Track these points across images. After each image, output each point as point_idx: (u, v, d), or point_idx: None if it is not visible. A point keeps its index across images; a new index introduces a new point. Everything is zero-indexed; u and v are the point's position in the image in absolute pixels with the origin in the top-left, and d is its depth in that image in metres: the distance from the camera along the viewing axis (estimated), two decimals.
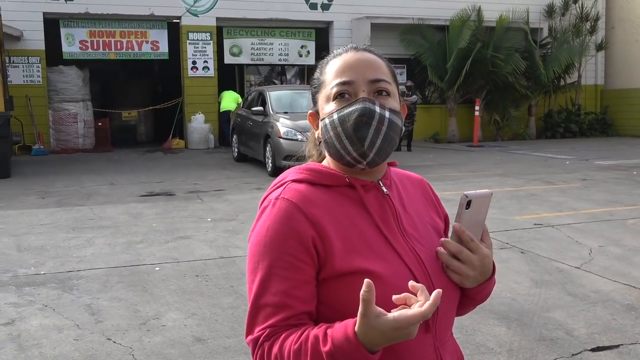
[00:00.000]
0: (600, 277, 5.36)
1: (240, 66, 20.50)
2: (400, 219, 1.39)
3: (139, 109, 20.79)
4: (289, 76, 21.28)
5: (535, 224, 7.46)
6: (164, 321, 4.42)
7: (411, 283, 1.17)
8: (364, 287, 1.09)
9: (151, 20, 18.36)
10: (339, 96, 1.36)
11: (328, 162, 1.44)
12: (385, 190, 1.41)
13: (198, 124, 18.34)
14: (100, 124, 18.47)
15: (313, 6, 19.60)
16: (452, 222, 1.40)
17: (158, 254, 6.26)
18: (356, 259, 1.29)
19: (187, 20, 18.45)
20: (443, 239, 1.38)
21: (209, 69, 18.77)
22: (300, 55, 19.94)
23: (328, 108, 1.37)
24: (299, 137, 11.46)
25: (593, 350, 3.90)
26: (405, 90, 17.71)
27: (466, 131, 20.20)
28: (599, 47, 22.40)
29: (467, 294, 1.42)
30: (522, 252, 6.17)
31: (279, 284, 1.27)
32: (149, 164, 14.72)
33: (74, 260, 6.03)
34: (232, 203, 9.03)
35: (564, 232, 7.01)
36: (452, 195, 9.56)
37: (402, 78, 20.60)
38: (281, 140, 11.76)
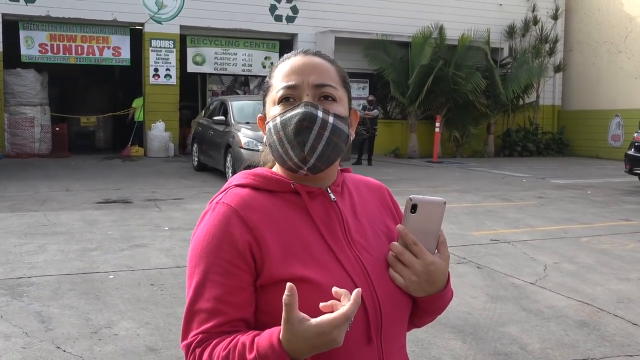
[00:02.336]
0: (555, 293, 5.43)
1: (203, 75, 20.39)
2: (347, 227, 1.36)
3: (98, 115, 20.48)
4: (252, 87, 21.23)
5: (492, 240, 7.54)
6: (116, 330, 4.33)
7: (334, 289, 1.15)
8: (285, 292, 1.07)
9: (114, 26, 18.14)
10: (284, 100, 1.34)
11: (277, 167, 1.41)
12: (332, 197, 1.38)
13: (158, 132, 18.13)
14: (57, 129, 18.12)
15: (278, 18, 19.63)
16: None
17: (113, 261, 6.15)
18: (295, 267, 1.26)
19: (150, 27, 18.28)
20: (393, 242, 1.36)
21: (171, 77, 18.61)
22: (264, 67, 19.92)
23: (273, 111, 1.36)
24: (260, 147, 11.37)
25: None
26: (367, 104, 17.81)
27: (426, 147, 20.40)
28: (557, 69, 22.92)
29: (419, 304, 1.39)
30: (478, 267, 6.23)
31: (213, 290, 1.25)
32: (107, 171, 14.49)
33: (25, 266, 5.88)
34: (191, 212, 8.93)
35: (519, 249, 7.10)
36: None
37: (364, 92, 20.75)
38: (242, 150, 11.70)
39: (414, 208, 1.32)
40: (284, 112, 1.32)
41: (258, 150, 11.55)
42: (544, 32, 22.46)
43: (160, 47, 18.42)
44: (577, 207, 10.37)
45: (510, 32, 22.16)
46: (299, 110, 1.30)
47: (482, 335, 4.41)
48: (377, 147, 18.56)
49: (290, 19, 19.79)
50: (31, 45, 17.40)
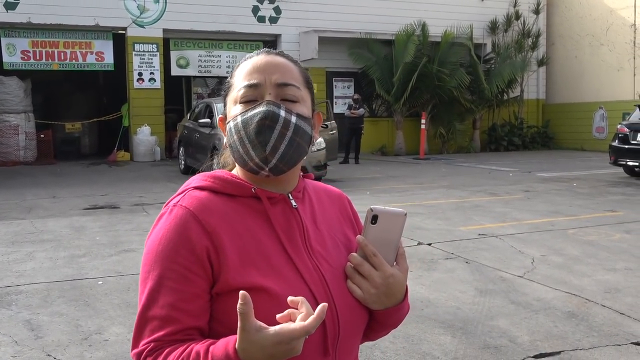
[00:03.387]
0: (542, 286, 5.47)
1: (188, 78, 20.35)
2: (307, 235, 1.33)
3: (83, 121, 20.39)
4: None
5: (479, 234, 7.58)
6: (107, 336, 4.32)
7: (290, 298, 1.12)
8: (240, 300, 1.04)
9: (96, 31, 18.06)
10: (245, 99, 1.31)
11: (238, 170, 1.38)
12: (294, 203, 1.34)
13: (144, 136, 18.07)
14: (42, 136, 18.03)
15: (261, 19, 19.62)
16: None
17: (101, 267, 6.13)
18: (252, 275, 1.22)
19: (133, 32, 18.22)
20: (351, 253, 1.33)
21: (155, 81, 18.55)
22: None
23: (234, 111, 1.32)
24: None
25: (535, 357, 3.97)
26: (352, 103, 17.84)
27: (413, 144, 20.47)
28: (540, 63, 23.07)
29: (376, 317, 1.36)
30: (466, 262, 6.26)
31: (168, 296, 1.20)
32: (93, 176, 14.43)
33: (13, 274, 5.85)
34: None
35: (507, 242, 7.14)
36: (398, 206, 9.66)
37: (349, 91, 20.79)
38: None
39: (374, 219, 1.29)
40: (245, 111, 1.29)
41: None
42: (526, 27, 22.60)
43: (144, 51, 18.36)
44: (564, 199, 10.44)
45: (493, 27, 22.28)
46: (261, 108, 1.27)
47: (472, 329, 4.44)
48: (363, 145, 18.60)
49: (273, 20, 19.78)
50: (13, 52, 17.30)
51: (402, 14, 20.40)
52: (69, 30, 17.74)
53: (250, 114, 1.27)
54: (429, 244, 7.05)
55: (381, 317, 1.36)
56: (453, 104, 20.78)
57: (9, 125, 17.12)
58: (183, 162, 14.93)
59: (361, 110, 17.89)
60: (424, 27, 20.23)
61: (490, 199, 10.51)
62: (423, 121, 19.25)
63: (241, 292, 1.04)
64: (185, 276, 1.20)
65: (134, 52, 18.28)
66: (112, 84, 21.50)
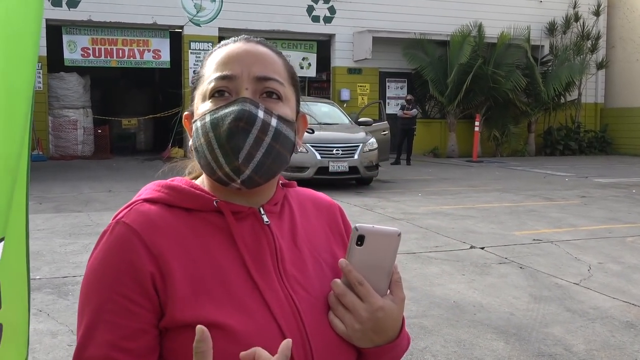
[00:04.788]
0: (600, 294, 5.32)
1: None
2: (281, 257, 1.10)
3: (139, 117, 20.79)
4: None
5: (534, 240, 7.43)
6: None
7: (242, 354, 0.89)
8: (196, 337, 0.85)
9: (153, 29, 18.40)
10: (216, 93, 1.09)
11: (204, 179, 1.16)
12: (265, 219, 1.12)
13: None
14: (99, 131, 18.48)
15: (315, 19, 19.67)
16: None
17: None
18: (206, 307, 1.01)
19: (189, 30, 18.50)
20: (334, 280, 1.09)
21: None
22: (302, 67, 19.97)
23: (202, 108, 1.10)
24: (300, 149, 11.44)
25: None
26: (405, 104, 17.75)
27: (465, 146, 20.23)
28: (600, 66, 22.49)
29: (365, 357, 1.12)
30: (520, 267, 6.14)
31: (106, 333, 1.00)
32: (148, 172, 14.66)
33: (70, 265, 5.99)
34: None
35: (563, 249, 6.98)
36: (451, 209, 9.57)
37: (402, 92, 20.68)
38: None
39: (360, 240, 1.07)
40: (216, 108, 1.07)
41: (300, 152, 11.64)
42: (586, 29, 22.07)
43: (200, 49, 18.61)
44: (622, 206, 10.15)
45: (551, 29, 21.84)
46: (234, 107, 1.05)
47: (526, 336, 4.34)
48: (415, 146, 18.47)
49: (327, 20, 19.81)
50: (74, 49, 17.74)
51: (457, 15, 20.18)
52: (128, 28, 18.11)
53: (221, 113, 1.06)
54: (482, 248, 6.94)
55: (371, 357, 1.12)
56: (508, 107, 20.46)
57: (68, 120, 17.58)
58: None
59: (414, 111, 17.77)
60: (480, 28, 19.97)
61: (545, 204, 10.30)
62: (477, 123, 19.00)
63: (198, 327, 0.85)
64: (126, 308, 1.01)
65: (189, 51, 18.55)
66: (168, 81, 21.85)
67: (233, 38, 1.17)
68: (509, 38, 19.91)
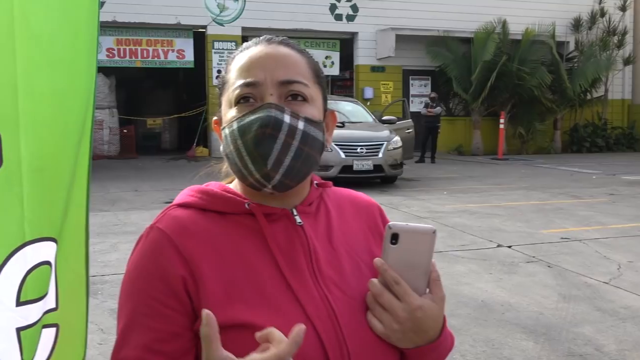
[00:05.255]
0: (630, 293, 5.25)
1: None
2: (315, 258, 1.10)
3: (164, 117, 20.94)
4: None
5: (562, 238, 7.36)
6: None
7: (257, 334, 0.90)
8: (202, 321, 0.86)
9: (177, 29, 18.52)
10: (242, 100, 1.09)
11: (237, 182, 1.18)
12: (298, 220, 1.12)
13: None
14: (125, 131, 18.66)
15: (338, 17, 19.65)
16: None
17: None
18: (238, 309, 1.01)
19: (212, 30, 18.59)
20: (371, 280, 1.09)
21: None
22: (325, 66, 19.96)
23: (229, 114, 1.11)
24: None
25: None
26: (429, 101, 17.67)
27: (490, 144, 20.07)
28: (627, 62, 22.18)
29: (407, 358, 1.11)
30: (549, 266, 6.08)
31: (141, 336, 1.02)
32: (173, 171, 14.79)
33: (99, 265, 6.04)
34: None
35: (591, 247, 6.89)
36: (477, 207, 9.51)
37: (426, 90, 20.59)
38: None
39: (394, 238, 1.07)
40: (242, 115, 1.07)
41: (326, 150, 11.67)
42: (612, 24, 21.80)
43: (223, 48, 18.69)
44: None
45: (577, 25, 21.61)
46: (260, 114, 1.05)
47: (555, 335, 4.30)
48: (440, 144, 18.38)
49: (350, 18, 19.78)
50: (99, 50, 17.86)
51: (481, 12, 20.02)
52: (152, 29, 18.25)
53: (247, 120, 1.06)
54: (509, 247, 6.88)
55: (413, 358, 1.10)
56: (533, 104, 20.27)
57: (94, 120, 17.73)
58: None
59: (438, 109, 17.68)
60: (504, 24, 19.81)
61: (573, 202, 10.18)
62: (502, 120, 18.84)
63: (204, 310, 0.86)
64: (160, 312, 1.02)
65: (213, 50, 18.64)
66: (192, 81, 21.98)
67: (254, 40, 1.16)
68: (534, 34, 19.72)
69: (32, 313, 1.06)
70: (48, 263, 1.10)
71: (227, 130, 1.10)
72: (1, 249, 0.97)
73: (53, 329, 1.16)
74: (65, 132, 1.11)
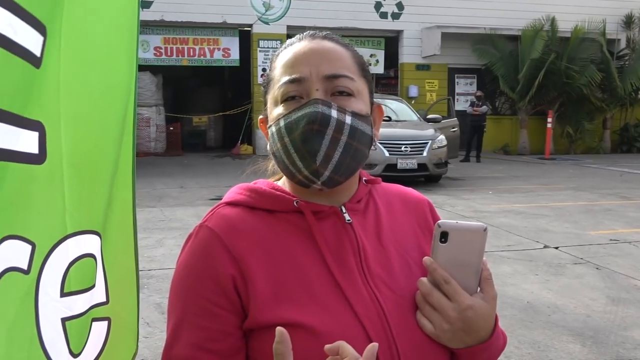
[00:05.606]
0: None
1: None
2: (364, 256, 1.08)
3: (209, 115, 21.16)
4: None
5: (611, 240, 7.19)
6: None
7: (326, 347, 0.87)
8: (276, 338, 0.85)
9: (223, 28, 18.69)
10: (288, 98, 1.08)
11: (285, 180, 1.17)
12: (347, 217, 1.11)
13: None
14: (171, 128, 18.92)
15: (383, 15, 19.57)
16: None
17: None
18: (287, 308, 1.01)
19: (258, 28, 18.70)
20: (420, 279, 1.07)
21: None
22: (370, 64, 19.81)
23: (275, 112, 1.10)
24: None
25: None
26: (475, 100, 17.48)
27: (537, 143, 19.75)
28: None
29: (458, 358, 1.09)
30: (597, 268, 5.96)
31: (191, 335, 1.03)
32: (218, 168, 14.94)
33: (145, 259, 6.14)
34: None
35: None
36: (523, 207, 9.37)
37: (472, 88, 20.37)
38: None
39: (444, 236, 1.05)
40: (289, 112, 1.06)
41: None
42: None
43: (268, 47, 18.78)
44: None
45: (628, 22, 21.08)
46: (307, 110, 1.03)
47: (603, 339, 4.21)
48: (485, 143, 18.17)
49: (395, 16, 19.68)
50: (147, 48, 18.19)
51: (529, 9, 19.69)
52: (198, 28, 18.45)
53: (294, 116, 1.05)
54: (556, 248, 6.76)
55: (464, 358, 1.08)
56: (582, 103, 19.87)
57: (141, 118, 18.01)
58: None
59: (484, 108, 17.47)
60: (552, 22, 19.45)
61: (623, 203, 9.95)
62: (549, 120, 18.51)
63: (278, 328, 0.86)
64: (210, 311, 1.03)
65: (258, 49, 18.75)
66: (237, 79, 22.15)
67: (298, 36, 1.16)
68: (583, 32, 19.31)
69: (76, 304, 1.08)
70: (92, 256, 1.12)
71: (273, 128, 1.09)
72: (45, 241, 0.99)
73: (105, 323, 1.18)
74: (104, 129, 1.13)
